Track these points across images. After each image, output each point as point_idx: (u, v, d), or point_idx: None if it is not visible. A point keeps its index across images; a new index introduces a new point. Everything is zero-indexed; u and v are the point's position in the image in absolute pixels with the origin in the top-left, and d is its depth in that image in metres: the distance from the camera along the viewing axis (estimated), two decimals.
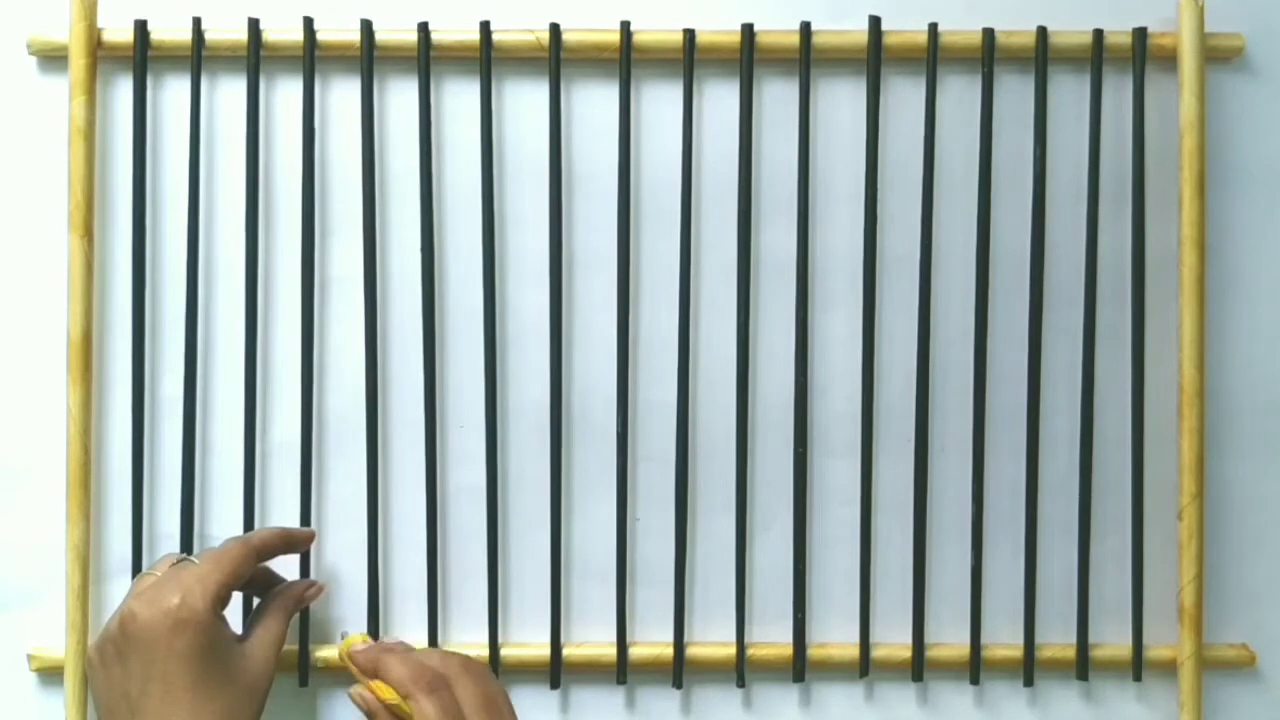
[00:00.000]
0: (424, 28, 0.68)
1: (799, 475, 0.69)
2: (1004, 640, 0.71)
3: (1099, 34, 0.69)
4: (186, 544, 0.69)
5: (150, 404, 0.70)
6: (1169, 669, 0.70)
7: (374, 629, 0.69)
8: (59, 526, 0.69)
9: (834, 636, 0.71)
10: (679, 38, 0.69)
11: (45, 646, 0.69)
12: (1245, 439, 0.72)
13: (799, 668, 0.70)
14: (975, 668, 0.70)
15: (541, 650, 0.70)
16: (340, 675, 0.69)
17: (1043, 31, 0.69)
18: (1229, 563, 0.72)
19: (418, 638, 0.70)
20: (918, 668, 0.70)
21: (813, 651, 0.70)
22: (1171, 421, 0.70)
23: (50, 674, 0.69)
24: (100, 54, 0.68)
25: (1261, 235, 0.72)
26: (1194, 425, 0.69)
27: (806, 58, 0.69)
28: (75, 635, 0.68)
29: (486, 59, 0.69)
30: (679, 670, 0.70)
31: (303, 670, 0.69)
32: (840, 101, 0.71)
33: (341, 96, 0.70)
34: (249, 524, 0.69)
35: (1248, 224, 0.72)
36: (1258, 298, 0.72)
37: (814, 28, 0.69)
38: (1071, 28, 0.69)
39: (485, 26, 0.68)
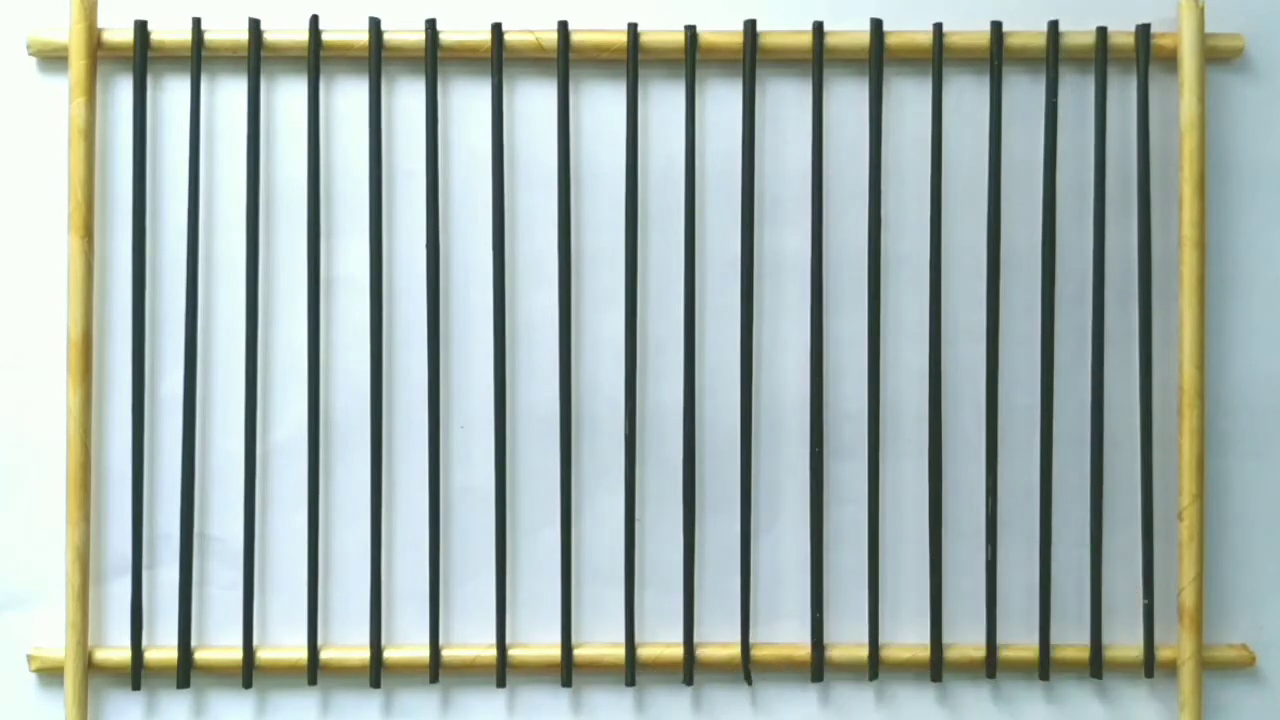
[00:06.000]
0: (431, 25, 0.68)
1: (815, 475, 0.69)
2: (1008, 641, 0.71)
3: (1102, 32, 0.69)
4: (186, 544, 0.68)
5: (150, 404, 0.70)
6: (1169, 669, 0.70)
7: (376, 629, 0.69)
8: (59, 526, 0.69)
9: (844, 636, 0.71)
10: (685, 38, 0.69)
11: (45, 646, 0.69)
12: (1245, 439, 0.72)
13: (817, 668, 0.70)
14: (991, 664, 0.70)
15: (548, 651, 0.70)
16: (348, 676, 0.69)
17: (1054, 26, 0.69)
18: (1229, 563, 0.72)
19: (420, 638, 0.70)
20: (936, 667, 0.70)
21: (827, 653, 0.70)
22: (1173, 422, 0.70)
23: (50, 674, 0.69)
24: (100, 54, 0.68)
25: (1261, 235, 0.72)
26: (1194, 425, 0.69)
27: (819, 57, 0.69)
28: (75, 635, 0.68)
29: (498, 60, 0.68)
30: (689, 668, 0.69)
31: (312, 669, 0.69)
32: (847, 101, 0.71)
33: (342, 96, 0.70)
34: (249, 524, 0.69)
35: (1248, 224, 0.72)
36: (1258, 298, 0.72)
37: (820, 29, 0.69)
38: (1072, 28, 0.69)
39: (497, 29, 0.68)
